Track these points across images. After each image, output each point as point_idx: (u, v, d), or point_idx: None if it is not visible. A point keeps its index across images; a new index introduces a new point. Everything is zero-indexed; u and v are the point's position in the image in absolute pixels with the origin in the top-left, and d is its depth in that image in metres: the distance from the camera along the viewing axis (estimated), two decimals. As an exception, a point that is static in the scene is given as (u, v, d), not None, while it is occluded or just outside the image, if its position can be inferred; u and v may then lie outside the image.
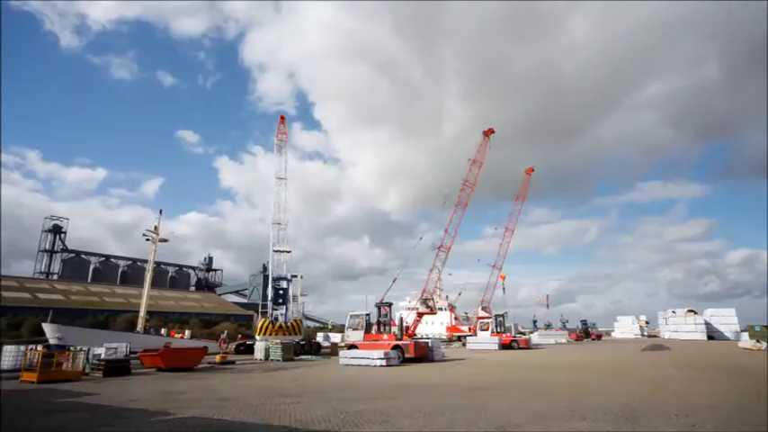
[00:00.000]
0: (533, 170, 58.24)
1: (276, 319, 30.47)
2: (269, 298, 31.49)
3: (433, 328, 57.83)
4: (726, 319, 52.65)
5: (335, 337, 45.43)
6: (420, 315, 48.55)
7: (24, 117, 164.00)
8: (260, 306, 34.23)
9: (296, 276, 33.54)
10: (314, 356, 28.63)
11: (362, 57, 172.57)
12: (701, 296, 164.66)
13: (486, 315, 59.34)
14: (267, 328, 29.50)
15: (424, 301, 48.85)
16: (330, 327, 58.56)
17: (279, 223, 33.43)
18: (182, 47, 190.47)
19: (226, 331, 34.34)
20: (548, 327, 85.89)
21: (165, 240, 32.02)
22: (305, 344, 30.41)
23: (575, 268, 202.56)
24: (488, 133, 53.00)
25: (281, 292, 31.14)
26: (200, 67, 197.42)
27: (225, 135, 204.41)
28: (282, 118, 37.01)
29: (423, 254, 50.53)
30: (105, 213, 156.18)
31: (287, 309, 31.12)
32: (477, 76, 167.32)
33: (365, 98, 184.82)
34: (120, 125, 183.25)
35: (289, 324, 30.42)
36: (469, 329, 56.80)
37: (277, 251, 32.46)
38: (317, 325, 70.85)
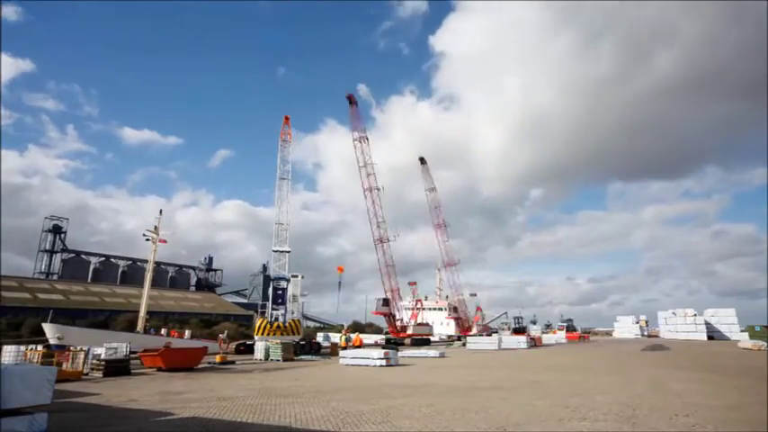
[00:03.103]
0: (425, 160, 58.32)
1: (276, 319, 30.47)
2: (269, 298, 31.55)
3: (434, 327, 57.77)
4: (726, 319, 52.64)
5: (335, 338, 45.50)
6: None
7: (71, 47, 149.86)
8: (259, 306, 34.26)
9: (296, 276, 33.56)
10: (314, 356, 28.64)
11: None
12: (744, 293, 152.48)
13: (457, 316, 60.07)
14: (265, 328, 29.49)
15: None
16: (340, 327, 58.79)
17: (281, 223, 33.39)
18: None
19: (226, 331, 34.35)
20: (548, 326, 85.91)
21: (163, 241, 31.98)
22: (305, 344, 30.42)
23: (625, 265, 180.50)
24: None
25: (279, 292, 31.15)
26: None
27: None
28: (287, 118, 36.94)
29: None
30: (154, 204, 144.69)
31: (286, 309, 31.13)
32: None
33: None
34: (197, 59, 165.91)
35: (287, 324, 30.42)
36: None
37: (276, 251, 32.48)
38: (317, 325, 70.85)
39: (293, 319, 31.47)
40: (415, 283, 54.82)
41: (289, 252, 32.66)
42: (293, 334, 30.30)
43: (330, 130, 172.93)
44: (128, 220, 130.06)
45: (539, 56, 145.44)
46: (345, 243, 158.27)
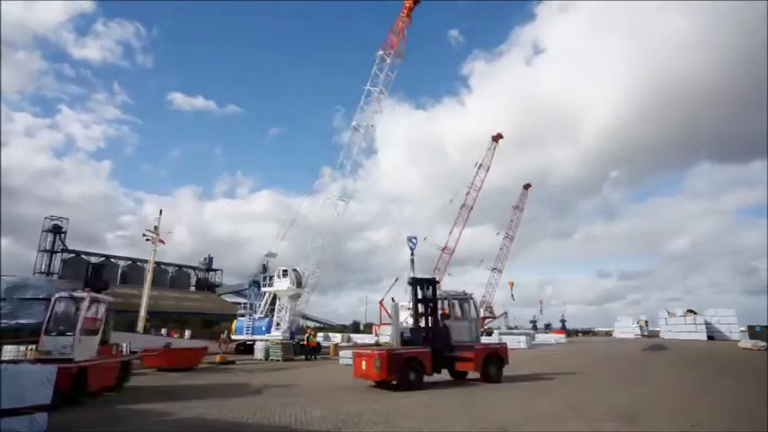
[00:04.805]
0: (531, 186, 61.34)
1: None
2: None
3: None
4: (726, 319, 52.65)
5: (336, 338, 45.60)
6: None
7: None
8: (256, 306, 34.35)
9: None
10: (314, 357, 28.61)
11: None
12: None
13: (489, 315, 59.77)
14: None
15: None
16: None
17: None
18: None
19: (226, 331, 34.33)
20: (547, 327, 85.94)
21: (161, 242, 32.05)
22: (304, 344, 30.38)
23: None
24: (497, 138, 55.62)
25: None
26: None
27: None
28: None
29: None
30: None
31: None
32: None
33: None
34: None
35: None
36: None
37: (268, 255, 32.80)
38: (317, 325, 70.83)
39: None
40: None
41: (275, 256, 32.98)
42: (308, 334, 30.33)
43: (389, 107, 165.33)
44: (155, 215, 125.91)
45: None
46: (379, 237, 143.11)
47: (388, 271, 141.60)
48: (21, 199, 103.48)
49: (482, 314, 58.72)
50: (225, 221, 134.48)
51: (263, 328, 30.88)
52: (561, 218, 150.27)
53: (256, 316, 32.41)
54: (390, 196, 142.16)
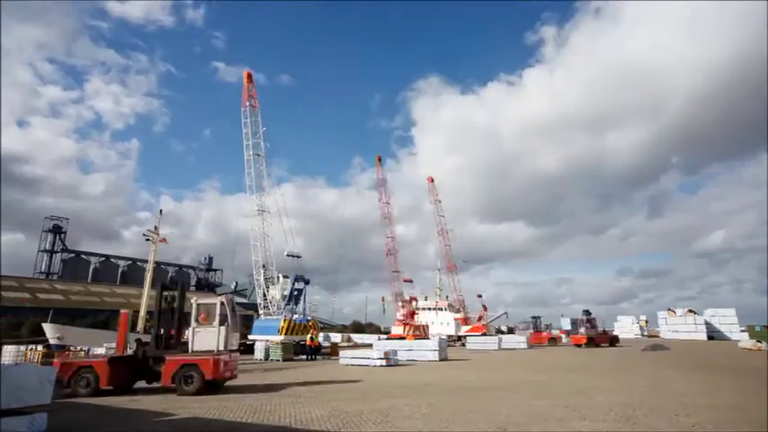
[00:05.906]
0: (433, 180, 61.16)
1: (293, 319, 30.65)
2: (286, 299, 31.78)
3: (434, 327, 57.91)
4: (726, 319, 52.68)
5: (336, 337, 45.63)
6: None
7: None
8: (259, 306, 34.33)
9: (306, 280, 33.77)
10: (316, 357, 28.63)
11: None
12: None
13: (462, 317, 60.14)
14: (293, 328, 29.48)
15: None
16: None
17: (263, 210, 31.87)
18: None
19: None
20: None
21: (163, 240, 32.07)
22: (304, 344, 30.42)
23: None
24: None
25: (295, 293, 31.24)
26: None
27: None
28: (248, 75, 29.49)
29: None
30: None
31: (304, 309, 31.36)
32: None
33: None
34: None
35: (304, 324, 30.57)
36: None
37: (290, 255, 32.69)
38: (319, 325, 70.93)
39: (310, 320, 31.68)
40: (410, 280, 55.06)
41: (299, 257, 32.72)
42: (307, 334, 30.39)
43: (432, 89, 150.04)
44: (174, 211, 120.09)
45: None
46: (407, 232, 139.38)
47: (410, 268, 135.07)
48: (38, 190, 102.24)
49: (457, 315, 58.87)
50: (245, 217, 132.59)
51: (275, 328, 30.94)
52: (601, 213, 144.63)
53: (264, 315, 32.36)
54: (425, 188, 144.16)
